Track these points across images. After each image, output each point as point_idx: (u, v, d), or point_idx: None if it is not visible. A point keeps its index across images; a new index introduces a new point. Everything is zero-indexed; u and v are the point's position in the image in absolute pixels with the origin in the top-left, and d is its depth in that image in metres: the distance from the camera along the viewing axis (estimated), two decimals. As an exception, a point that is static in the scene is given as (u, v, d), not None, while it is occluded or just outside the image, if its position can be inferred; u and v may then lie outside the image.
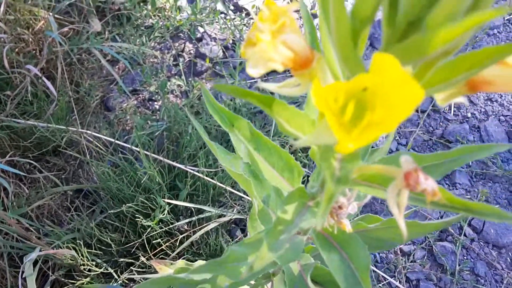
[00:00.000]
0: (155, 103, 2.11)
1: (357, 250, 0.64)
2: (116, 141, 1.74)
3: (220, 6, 2.29)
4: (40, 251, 1.31)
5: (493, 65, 0.39)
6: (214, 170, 1.73)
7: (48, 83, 1.72)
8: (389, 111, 0.30)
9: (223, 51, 2.22)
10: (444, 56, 0.34)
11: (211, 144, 0.78)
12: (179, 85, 2.14)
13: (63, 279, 1.60)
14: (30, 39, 1.95)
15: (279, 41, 0.38)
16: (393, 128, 0.30)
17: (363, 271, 0.62)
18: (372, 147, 0.80)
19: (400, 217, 0.46)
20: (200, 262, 1.38)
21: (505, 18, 2.52)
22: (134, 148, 1.69)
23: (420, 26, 0.32)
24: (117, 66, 2.21)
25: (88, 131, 1.76)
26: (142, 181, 1.60)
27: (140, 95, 2.14)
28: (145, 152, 1.67)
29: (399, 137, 2.18)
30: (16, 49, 1.90)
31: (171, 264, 1.32)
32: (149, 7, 2.29)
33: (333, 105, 0.30)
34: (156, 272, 1.34)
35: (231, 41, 2.24)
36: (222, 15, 2.27)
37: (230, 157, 0.81)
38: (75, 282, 1.60)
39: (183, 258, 1.73)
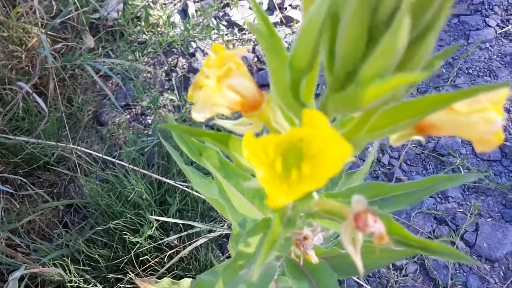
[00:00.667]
0: (148, 117, 2.12)
1: (326, 278, 0.64)
2: (105, 157, 1.74)
3: (212, 22, 2.30)
4: (26, 268, 1.31)
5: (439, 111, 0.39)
6: (203, 185, 1.73)
7: (39, 100, 1.73)
8: (320, 166, 0.30)
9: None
10: (384, 105, 0.34)
11: (184, 169, 0.78)
12: (171, 100, 2.14)
13: (52, 296, 1.60)
14: (23, 56, 1.96)
15: (225, 86, 0.38)
16: (323, 183, 0.30)
17: (332, 300, 0.62)
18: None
19: (355, 255, 0.46)
20: (187, 280, 1.38)
21: (497, 32, 2.53)
22: (123, 163, 1.69)
23: (356, 78, 0.32)
24: (110, 81, 2.22)
25: (78, 147, 1.76)
26: (130, 198, 1.60)
27: (133, 110, 2.14)
28: (135, 167, 1.67)
29: (391, 151, 2.18)
30: (9, 66, 1.91)
31: (156, 282, 1.31)
32: (143, 23, 2.30)
33: (264, 158, 0.30)
34: (142, 290, 1.33)
35: (223, 55, 2.26)
36: (215, 31, 2.28)
37: (206, 181, 0.81)
38: (64, 298, 1.60)
39: (173, 274, 1.72)
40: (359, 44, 0.30)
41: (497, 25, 2.62)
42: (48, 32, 2.01)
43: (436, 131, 0.40)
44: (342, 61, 0.31)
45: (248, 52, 2.20)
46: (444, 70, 2.46)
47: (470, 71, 2.46)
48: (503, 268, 1.91)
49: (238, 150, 0.48)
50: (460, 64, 2.45)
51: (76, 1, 2.05)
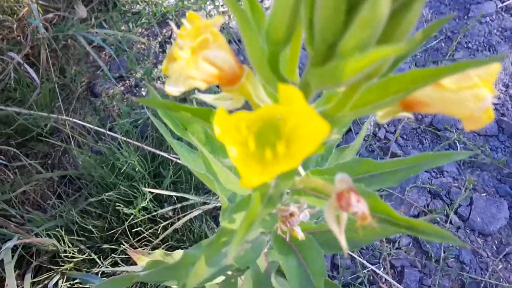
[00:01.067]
0: (142, 89, 2.09)
1: (313, 255, 0.63)
2: (98, 128, 1.73)
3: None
4: (20, 239, 1.31)
5: (428, 86, 0.37)
6: (198, 158, 1.72)
7: (30, 70, 1.70)
8: (295, 145, 0.28)
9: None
10: (367, 79, 0.32)
11: (172, 143, 0.76)
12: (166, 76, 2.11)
13: (45, 265, 1.61)
14: (14, 26, 1.91)
15: (200, 58, 0.36)
16: (298, 163, 0.28)
17: (318, 276, 0.62)
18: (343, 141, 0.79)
19: (340, 234, 0.45)
20: (180, 252, 1.38)
21: (498, 6, 2.47)
22: (117, 135, 1.67)
23: (337, 51, 0.30)
24: (103, 52, 2.18)
25: (71, 119, 1.74)
26: (123, 170, 1.59)
27: (127, 82, 2.11)
28: (128, 140, 1.66)
29: (387, 125, 2.16)
30: (0, 36, 1.87)
31: (149, 254, 1.31)
32: (137, -9, 2.24)
33: (237, 136, 0.29)
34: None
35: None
36: (210, 1, 2.23)
37: (194, 156, 0.79)
38: (59, 268, 1.61)
39: (167, 245, 1.73)
40: (337, 13, 0.27)
41: (498, -3, 2.56)
42: (39, 2, 1.95)
43: (424, 108, 0.38)
44: (321, 33, 0.29)
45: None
46: (443, 44, 2.42)
47: (470, 45, 2.42)
48: (496, 242, 1.92)
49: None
50: (460, 38, 2.40)
51: (67, -32, 1.99)
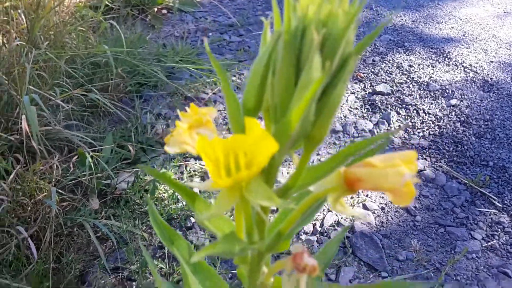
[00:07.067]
0: (133, 283, 2.10)
1: None
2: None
3: (212, 201, 2.47)
4: None
5: (362, 167, 0.49)
6: None
7: (32, 245, 1.78)
8: (253, 158, 0.39)
9: (209, 241, 2.30)
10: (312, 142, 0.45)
11: (159, 281, 0.81)
12: (161, 268, 2.15)
13: None
14: (29, 207, 2.08)
15: (194, 131, 0.49)
16: (256, 173, 0.39)
17: None
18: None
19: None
20: None
21: (483, 245, 2.63)
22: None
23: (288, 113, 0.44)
24: (104, 245, 2.28)
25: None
26: None
27: (120, 274, 2.14)
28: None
29: None
30: (13, 214, 2.02)
31: None
32: (149, 195, 2.48)
33: (211, 153, 0.40)
34: None
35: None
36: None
37: (174, 295, 0.83)
38: None
39: None
40: (289, 84, 0.42)
41: (483, 238, 2.73)
42: (58, 190, 2.16)
43: (362, 185, 0.49)
44: (279, 97, 0.43)
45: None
46: (432, 274, 2.48)
47: (459, 278, 2.48)
48: None
49: (201, 210, 0.56)
50: (448, 270, 2.48)
51: (92, 166, 2.27)
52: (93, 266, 2.15)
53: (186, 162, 2.76)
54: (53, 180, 2.18)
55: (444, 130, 3.28)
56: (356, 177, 0.49)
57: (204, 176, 2.70)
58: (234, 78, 3.62)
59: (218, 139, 0.40)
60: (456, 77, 3.86)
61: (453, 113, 3.43)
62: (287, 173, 2.79)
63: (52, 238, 2.02)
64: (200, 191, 2.45)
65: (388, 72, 3.89)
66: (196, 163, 2.77)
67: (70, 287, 2.03)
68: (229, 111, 0.46)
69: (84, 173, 2.29)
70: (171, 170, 2.65)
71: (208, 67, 3.67)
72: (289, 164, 2.80)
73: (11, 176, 2.05)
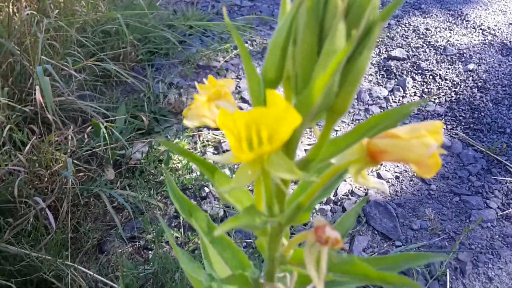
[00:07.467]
0: (150, 252, 2.14)
1: None
2: (101, 278, 1.73)
3: (227, 171, 2.47)
4: None
5: (386, 138, 0.48)
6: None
7: (50, 216, 1.81)
8: (275, 132, 0.38)
9: (224, 211, 2.32)
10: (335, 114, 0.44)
11: (177, 250, 0.82)
12: (176, 237, 2.19)
13: None
14: (46, 178, 2.11)
15: (213, 104, 0.48)
16: (278, 147, 0.37)
17: None
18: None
19: (318, 281, 0.49)
20: None
21: (498, 214, 2.62)
22: (116, 286, 1.67)
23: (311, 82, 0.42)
24: (120, 214, 2.31)
25: (80, 267, 1.77)
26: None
27: (137, 243, 2.18)
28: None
29: None
30: (30, 185, 2.05)
31: None
32: (163, 165, 2.49)
33: (232, 127, 0.38)
34: None
35: (232, 202, 2.36)
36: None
37: (194, 265, 0.84)
38: None
39: None
40: (312, 52, 0.40)
41: (498, 207, 2.72)
42: (74, 161, 2.18)
43: (385, 156, 0.47)
44: (300, 68, 0.41)
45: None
46: (446, 243, 2.49)
47: (473, 247, 2.48)
48: None
49: (221, 182, 0.55)
50: (463, 239, 2.48)
51: (107, 137, 2.28)
52: (110, 235, 2.19)
53: (199, 132, 2.76)
54: (69, 151, 2.20)
55: (461, 96, 3.21)
56: (380, 149, 0.48)
57: (217, 146, 2.70)
58: (246, 45, 3.57)
59: (239, 112, 0.39)
60: (474, 40, 3.76)
61: (470, 78, 3.36)
62: (303, 144, 2.77)
63: (69, 208, 2.05)
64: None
65: (404, 36, 3.80)
66: (209, 133, 2.77)
67: (88, 255, 2.07)
68: (249, 83, 0.44)
69: (99, 143, 2.30)
70: (184, 140, 2.65)
71: (221, 32, 3.62)
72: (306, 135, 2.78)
73: (27, 147, 2.07)
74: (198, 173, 2.47)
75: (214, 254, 0.69)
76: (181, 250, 0.83)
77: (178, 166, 2.53)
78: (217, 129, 2.76)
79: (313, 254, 0.49)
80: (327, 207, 2.43)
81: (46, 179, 2.11)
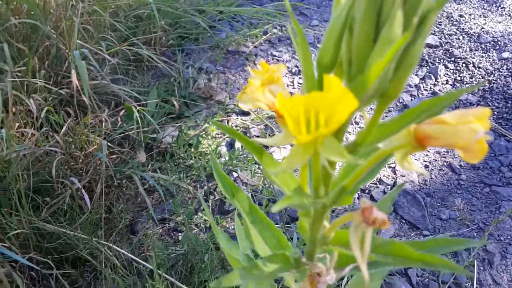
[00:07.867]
0: (179, 234, 2.20)
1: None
2: (134, 257, 1.79)
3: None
4: None
5: (434, 124, 0.49)
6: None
7: (86, 196, 1.88)
8: (332, 116, 0.40)
9: (252, 195, 2.35)
10: (386, 98, 0.45)
11: (216, 231, 0.85)
12: (205, 220, 2.23)
13: None
14: (81, 160, 2.17)
15: (266, 88, 0.50)
16: (335, 129, 0.39)
17: None
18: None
19: (362, 260, 0.51)
20: None
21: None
22: (148, 265, 1.72)
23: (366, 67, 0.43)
24: (151, 196, 2.37)
25: (113, 246, 1.84)
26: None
27: (167, 225, 2.24)
28: (158, 271, 1.70)
29: None
30: (66, 165, 2.12)
31: None
32: (192, 149, 2.53)
33: (291, 111, 0.40)
34: None
35: (260, 187, 2.39)
36: (256, 164, 2.47)
37: (231, 245, 0.87)
38: None
39: None
40: (368, 37, 0.41)
41: (530, 200, 2.67)
42: (108, 143, 2.24)
43: (432, 141, 0.48)
44: (356, 53, 0.43)
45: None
46: (475, 234, 2.47)
47: (502, 238, 2.45)
48: None
49: (270, 166, 0.57)
50: (492, 230, 2.46)
51: (139, 120, 2.33)
52: (141, 216, 2.25)
53: (228, 117, 2.79)
54: (103, 133, 2.26)
55: (494, 85, 3.15)
56: (427, 134, 0.49)
57: (246, 132, 2.73)
58: (275, 30, 3.57)
59: (299, 96, 0.41)
60: (510, 28, 3.66)
61: (505, 67, 3.28)
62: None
63: (103, 189, 2.12)
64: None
65: (436, 22, 3.73)
66: (238, 118, 2.79)
67: (120, 235, 2.14)
68: (304, 68, 0.46)
69: (132, 127, 2.35)
70: (213, 126, 2.69)
71: (251, 18, 3.62)
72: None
73: (63, 129, 2.14)
74: (227, 158, 2.50)
75: (256, 234, 0.72)
76: (220, 230, 0.86)
77: (207, 151, 2.57)
78: (247, 114, 2.79)
79: (358, 234, 0.51)
80: (355, 195, 2.43)
81: (81, 160, 2.18)
